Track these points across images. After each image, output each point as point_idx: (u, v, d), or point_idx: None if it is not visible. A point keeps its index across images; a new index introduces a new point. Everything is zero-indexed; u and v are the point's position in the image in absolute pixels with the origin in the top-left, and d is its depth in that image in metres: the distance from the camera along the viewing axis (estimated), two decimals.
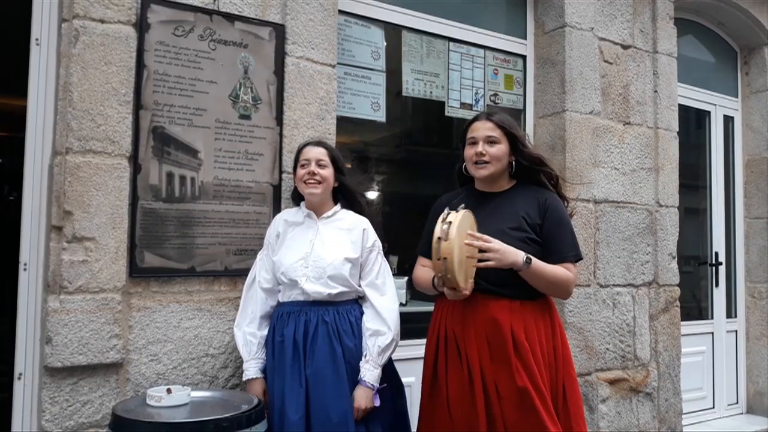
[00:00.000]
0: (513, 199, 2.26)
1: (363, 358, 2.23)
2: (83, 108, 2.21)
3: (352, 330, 2.25)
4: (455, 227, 1.95)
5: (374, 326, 2.26)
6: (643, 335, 3.69)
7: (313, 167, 2.31)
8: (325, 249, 2.28)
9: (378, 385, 2.23)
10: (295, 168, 2.41)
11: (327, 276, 2.24)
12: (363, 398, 2.19)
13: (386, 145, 3.61)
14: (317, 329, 2.20)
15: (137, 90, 2.32)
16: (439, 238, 1.94)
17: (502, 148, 2.25)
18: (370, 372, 2.21)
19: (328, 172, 2.33)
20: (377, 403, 2.23)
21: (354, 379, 2.21)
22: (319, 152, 2.35)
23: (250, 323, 2.32)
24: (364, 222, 2.40)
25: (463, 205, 2.08)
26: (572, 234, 2.27)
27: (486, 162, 2.24)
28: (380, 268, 2.37)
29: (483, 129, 2.27)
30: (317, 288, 2.23)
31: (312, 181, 2.30)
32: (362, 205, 2.48)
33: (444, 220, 1.98)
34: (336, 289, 2.25)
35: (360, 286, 2.33)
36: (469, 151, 2.28)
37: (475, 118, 2.34)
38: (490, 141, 2.24)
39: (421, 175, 3.89)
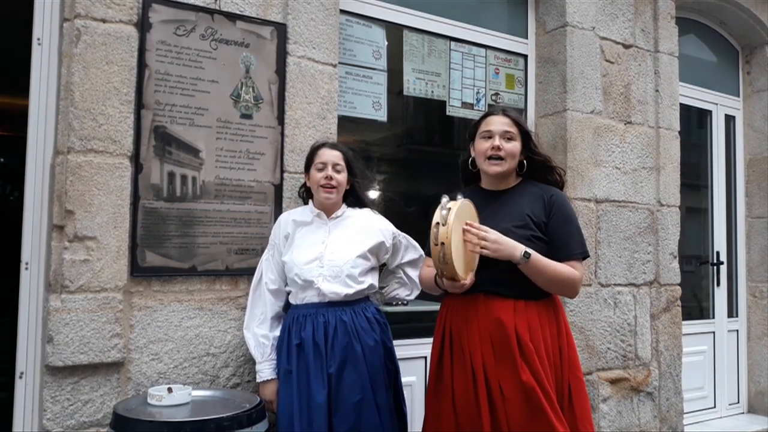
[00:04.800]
0: (518, 197, 2.23)
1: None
2: (85, 107, 2.22)
3: (370, 326, 2.27)
4: (453, 213, 1.94)
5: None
6: (645, 335, 3.69)
7: (330, 172, 2.32)
8: (339, 248, 2.29)
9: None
10: (307, 168, 2.41)
11: (345, 275, 2.26)
12: None
13: (387, 144, 3.61)
14: (336, 329, 2.21)
15: (139, 89, 2.32)
16: (437, 223, 1.93)
17: (517, 146, 2.22)
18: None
19: (343, 177, 2.36)
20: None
21: (375, 373, 2.23)
22: (336, 156, 2.36)
23: (261, 324, 2.32)
24: (372, 215, 2.44)
25: (461, 195, 2.07)
26: (579, 231, 2.23)
27: (501, 158, 2.20)
28: (404, 247, 2.50)
29: (500, 123, 2.22)
30: (334, 288, 2.24)
31: (328, 185, 2.31)
32: (367, 204, 2.50)
33: (443, 206, 1.97)
34: (352, 288, 2.26)
35: (374, 282, 2.38)
36: (483, 145, 2.22)
37: (490, 113, 2.29)
38: (507, 137, 2.20)
39: (423, 175, 3.88)
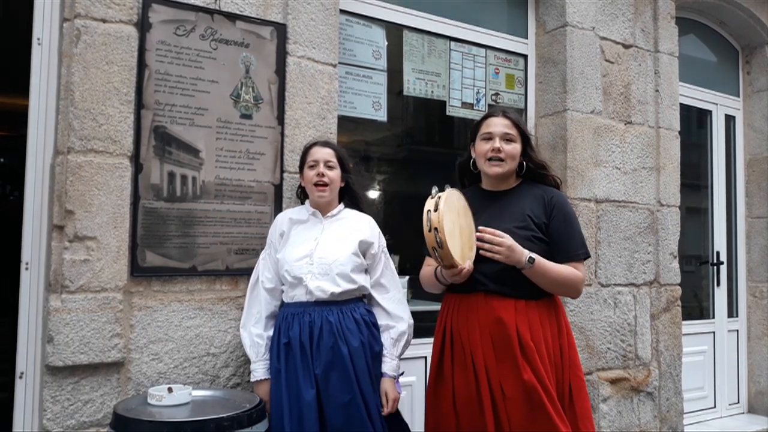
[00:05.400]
0: (519, 198, 2.25)
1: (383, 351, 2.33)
2: (85, 107, 2.22)
3: (357, 328, 2.24)
4: (444, 200, 1.99)
5: (385, 321, 2.35)
6: (645, 335, 3.69)
7: (322, 169, 2.32)
8: (330, 246, 2.29)
9: (398, 374, 2.33)
10: (301, 167, 2.41)
11: (335, 273, 2.23)
12: (388, 388, 2.28)
13: (387, 144, 3.61)
14: (322, 330, 2.19)
15: (139, 89, 2.32)
16: (429, 210, 1.97)
17: (517, 147, 2.23)
18: (387, 364, 2.31)
19: (335, 174, 2.35)
20: (400, 391, 2.33)
21: (362, 375, 2.21)
22: (327, 153, 2.36)
23: (256, 324, 2.32)
24: (369, 220, 2.42)
25: (448, 185, 2.10)
26: (579, 232, 2.24)
27: (501, 159, 2.21)
28: (384, 266, 2.40)
29: (500, 125, 2.23)
30: (322, 285, 2.22)
31: (321, 183, 2.31)
32: (361, 206, 2.50)
33: (432, 196, 2.02)
34: (340, 287, 2.24)
35: (365, 283, 2.33)
36: (483, 147, 2.24)
37: (490, 114, 2.30)
38: (507, 138, 2.22)
39: (422, 175, 3.89)
